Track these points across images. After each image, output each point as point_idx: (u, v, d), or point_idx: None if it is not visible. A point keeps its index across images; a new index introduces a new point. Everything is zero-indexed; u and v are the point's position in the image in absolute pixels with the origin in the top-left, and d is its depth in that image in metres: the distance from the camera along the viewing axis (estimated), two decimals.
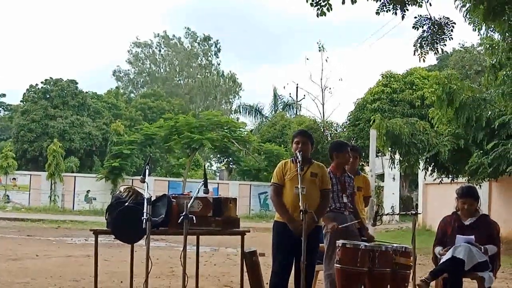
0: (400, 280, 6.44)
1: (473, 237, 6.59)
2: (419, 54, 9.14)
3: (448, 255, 6.50)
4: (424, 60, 9.29)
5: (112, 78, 68.44)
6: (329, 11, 8.48)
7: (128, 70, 69.17)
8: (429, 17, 9.07)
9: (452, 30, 8.95)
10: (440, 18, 9.04)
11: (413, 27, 9.08)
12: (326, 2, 8.37)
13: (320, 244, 6.82)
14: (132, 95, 64.65)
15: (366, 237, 7.19)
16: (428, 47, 9.03)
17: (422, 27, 9.06)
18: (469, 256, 6.37)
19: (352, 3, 8.48)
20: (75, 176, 37.16)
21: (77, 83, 45.87)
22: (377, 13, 8.86)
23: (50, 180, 35.41)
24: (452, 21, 8.98)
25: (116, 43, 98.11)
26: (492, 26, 9.94)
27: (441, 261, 6.59)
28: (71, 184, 36.16)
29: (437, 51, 9.15)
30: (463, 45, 39.53)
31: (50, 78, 45.66)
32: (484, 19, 9.17)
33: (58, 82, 45.01)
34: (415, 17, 9.12)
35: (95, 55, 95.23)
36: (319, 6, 8.40)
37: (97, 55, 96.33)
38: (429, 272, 6.60)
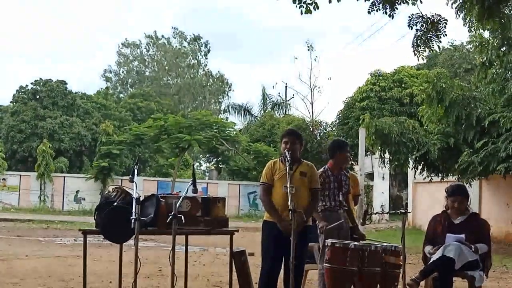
0: (389, 279, 6.41)
1: (463, 236, 6.58)
2: (417, 54, 9.17)
3: (438, 254, 6.49)
4: (423, 59, 9.35)
5: (102, 78, 68.37)
6: (315, 10, 8.47)
7: (117, 70, 69.05)
8: (421, 15, 9.09)
9: (445, 27, 8.98)
10: (432, 15, 9.05)
11: (407, 25, 9.10)
12: (312, 0, 8.37)
13: (310, 244, 6.81)
14: (121, 95, 64.45)
15: (357, 235, 7.23)
16: (424, 45, 9.06)
17: (416, 26, 9.07)
18: (460, 255, 6.37)
19: (338, 1, 8.49)
20: (64, 176, 37.05)
21: (66, 83, 45.81)
22: (369, 12, 8.91)
23: (39, 181, 35.36)
24: (444, 18, 9.00)
25: (105, 43, 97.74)
26: (484, 24, 9.96)
27: (431, 260, 6.58)
28: (61, 184, 36.04)
29: (433, 48, 9.18)
30: (452, 44, 39.66)
31: (40, 79, 45.57)
32: (479, 18, 9.18)
33: (48, 82, 44.90)
34: (408, 16, 9.14)
35: (84, 56, 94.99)
36: (302, 4, 8.39)
37: (87, 55, 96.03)
38: (419, 271, 6.58)
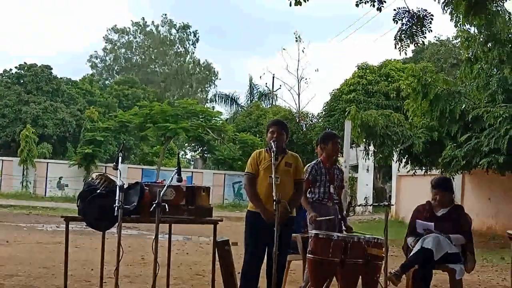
0: (372, 270, 6.44)
1: (432, 224, 6.62)
2: (399, 47, 9.18)
3: (417, 247, 6.52)
4: (405, 53, 9.36)
5: (87, 64, 67.97)
6: (305, 1, 8.45)
7: (104, 56, 68.65)
8: (407, 9, 9.10)
9: (431, 22, 9.00)
10: (419, 10, 9.07)
11: (393, 19, 9.11)
12: None
13: (293, 234, 6.83)
14: (107, 82, 64.12)
15: (345, 227, 7.29)
16: (408, 40, 9.08)
17: (401, 20, 9.08)
18: (438, 246, 6.40)
19: None
20: (47, 162, 36.77)
21: (51, 68, 45.50)
22: (357, 5, 8.92)
23: (22, 166, 35.00)
24: (430, 13, 9.02)
25: (92, 29, 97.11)
26: (471, 19, 10.00)
27: (411, 254, 6.61)
28: (44, 170, 35.78)
29: (417, 43, 9.21)
30: (438, 38, 39.85)
31: (24, 63, 45.27)
32: (466, 14, 9.22)
33: (32, 67, 44.57)
34: (394, 10, 9.15)
35: (70, 41, 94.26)
36: None
37: (73, 40, 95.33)
38: (400, 265, 6.61)
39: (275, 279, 5.82)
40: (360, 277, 6.48)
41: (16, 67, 45.07)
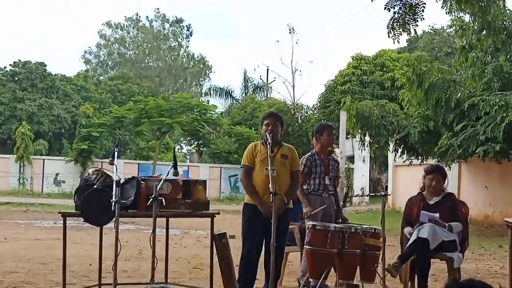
0: (369, 261, 6.47)
1: (437, 214, 6.63)
2: (392, 36, 9.16)
3: (413, 237, 6.54)
4: (398, 42, 9.33)
5: (81, 60, 67.79)
6: None
7: (98, 52, 68.45)
8: None
9: (423, 11, 8.98)
10: None
11: (384, 8, 9.09)
12: None
13: (290, 226, 6.84)
14: (101, 77, 63.96)
15: (340, 218, 7.30)
16: (401, 28, 9.05)
17: (394, 8, 9.06)
18: (433, 235, 6.41)
19: None
20: (44, 159, 36.76)
21: (45, 65, 45.42)
22: None
23: (18, 163, 35.06)
24: (422, 1, 9.01)
25: (85, 25, 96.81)
26: (464, 7, 9.98)
27: (408, 244, 6.62)
28: (40, 167, 35.76)
29: (409, 32, 9.19)
30: (433, 27, 39.82)
31: (19, 60, 45.17)
32: (457, 1, 9.21)
33: (27, 64, 44.49)
34: None
35: (64, 38, 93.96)
36: None
37: (67, 37, 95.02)
38: (398, 256, 6.62)
39: (273, 271, 5.83)
40: (358, 267, 6.50)
41: (10, 65, 45.06)
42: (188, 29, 68.73)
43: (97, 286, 6.72)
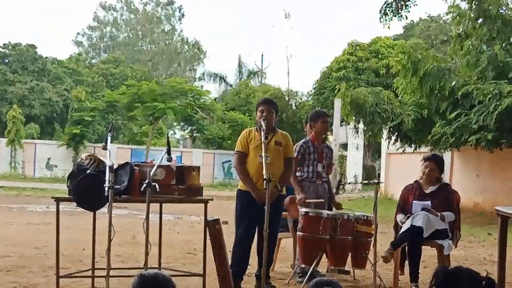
0: (361, 247, 6.53)
1: (429, 202, 6.68)
2: (383, 21, 9.16)
3: (407, 225, 6.58)
4: (389, 27, 9.32)
5: (73, 43, 67.32)
6: None
7: (90, 35, 68.01)
8: None
9: None
10: None
11: None
12: None
13: (283, 213, 6.86)
14: (93, 61, 63.59)
15: (334, 205, 7.33)
16: (392, 14, 9.05)
17: None
18: (427, 223, 6.46)
19: None
20: (35, 143, 36.59)
21: (36, 47, 45.06)
22: None
23: (10, 147, 34.72)
24: None
25: (78, 7, 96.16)
26: None
27: (401, 231, 6.66)
28: (32, 151, 35.60)
29: (401, 18, 9.18)
30: (429, 15, 39.75)
31: (9, 42, 44.86)
32: None
33: (17, 46, 44.13)
34: None
35: (55, 19, 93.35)
36: None
37: (58, 19, 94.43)
38: (391, 242, 6.66)
39: (266, 257, 5.85)
40: (350, 253, 6.55)
41: (0, 47, 44.56)
42: (179, 11, 68.34)
43: (91, 271, 6.73)
